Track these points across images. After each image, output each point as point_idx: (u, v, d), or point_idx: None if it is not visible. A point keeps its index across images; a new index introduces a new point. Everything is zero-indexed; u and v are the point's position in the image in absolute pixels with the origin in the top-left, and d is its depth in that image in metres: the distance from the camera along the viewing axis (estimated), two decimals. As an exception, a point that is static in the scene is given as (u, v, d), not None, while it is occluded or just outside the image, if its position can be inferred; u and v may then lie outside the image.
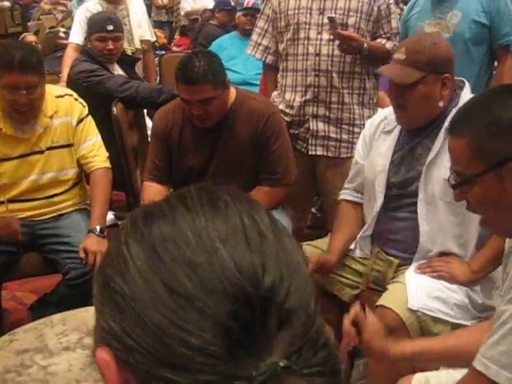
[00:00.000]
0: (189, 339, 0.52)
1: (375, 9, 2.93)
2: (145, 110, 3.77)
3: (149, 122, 3.78)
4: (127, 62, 3.78)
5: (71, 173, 2.75)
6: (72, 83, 3.39)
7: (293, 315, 0.54)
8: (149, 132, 3.66)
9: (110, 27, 3.55)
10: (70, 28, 8.44)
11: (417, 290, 2.03)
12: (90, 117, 2.78)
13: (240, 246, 0.56)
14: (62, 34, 8.34)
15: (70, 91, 2.81)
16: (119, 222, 3.85)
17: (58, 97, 2.71)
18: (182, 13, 8.89)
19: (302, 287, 0.57)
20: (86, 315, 2.08)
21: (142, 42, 4.17)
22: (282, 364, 0.52)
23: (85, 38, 3.84)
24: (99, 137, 2.81)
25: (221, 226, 0.57)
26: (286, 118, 2.99)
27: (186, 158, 2.72)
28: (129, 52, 3.96)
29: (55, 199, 2.73)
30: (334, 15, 2.83)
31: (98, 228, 2.58)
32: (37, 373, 1.79)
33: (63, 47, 6.87)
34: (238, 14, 5.51)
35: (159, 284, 0.54)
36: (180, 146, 2.72)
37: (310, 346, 0.55)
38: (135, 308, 0.55)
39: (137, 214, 0.61)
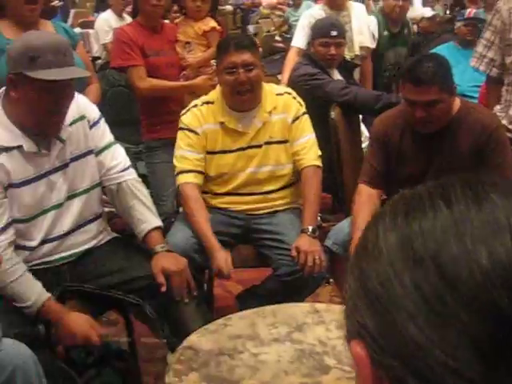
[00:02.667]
0: (444, 359, 0.49)
1: None
2: (360, 116, 3.78)
3: (363, 129, 3.80)
4: (346, 67, 3.81)
5: (287, 168, 2.83)
6: (293, 85, 3.49)
7: None
8: (362, 138, 3.68)
9: (334, 33, 3.60)
10: (285, 33, 8.73)
11: None
12: (306, 115, 2.84)
13: (502, 249, 0.50)
14: (277, 38, 8.63)
15: (289, 90, 2.92)
16: (324, 224, 3.91)
17: (277, 94, 2.83)
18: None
19: None
20: (296, 311, 2.14)
21: (361, 48, 4.19)
22: None
23: (308, 43, 3.94)
24: (313, 135, 2.85)
25: (483, 225, 0.52)
26: (509, 135, 2.86)
27: (404, 166, 2.70)
28: (348, 58, 3.99)
29: (271, 196, 2.82)
30: None
31: (310, 228, 2.63)
32: (248, 359, 1.88)
33: (279, 50, 7.10)
34: (458, 23, 5.36)
35: (417, 294, 0.52)
36: (399, 153, 2.71)
37: None
38: (391, 314, 0.52)
39: (397, 206, 0.58)
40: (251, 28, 8.89)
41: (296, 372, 1.81)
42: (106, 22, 6.41)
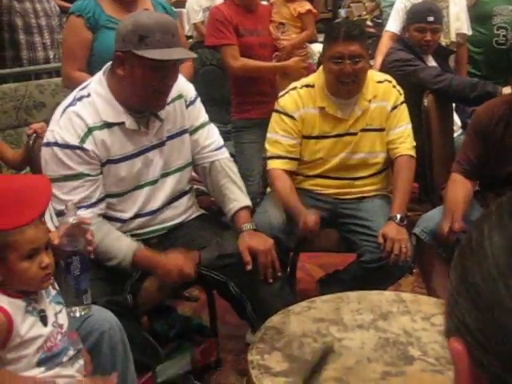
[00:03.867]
0: None
1: None
2: (453, 104, 3.68)
3: (456, 118, 3.70)
4: (441, 54, 3.72)
5: (380, 157, 2.79)
6: (385, 71, 3.43)
7: None
8: (455, 128, 3.59)
9: (431, 18, 3.52)
10: (376, 17, 8.57)
11: None
12: (404, 104, 2.79)
13: None
14: (369, 23, 8.50)
15: (389, 77, 2.85)
16: (409, 214, 3.84)
17: (378, 82, 2.78)
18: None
19: None
20: (380, 299, 2.12)
21: (457, 35, 4.06)
22: None
23: (402, 28, 3.86)
24: (410, 125, 2.81)
25: None
26: None
27: (506, 158, 2.61)
28: (443, 44, 3.88)
29: (360, 182, 2.80)
30: None
31: (398, 216, 2.58)
32: (331, 343, 1.87)
33: (370, 35, 6.96)
34: None
35: None
36: (501, 145, 2.61)
37: None
38: (493, 312, 0.52)
39: (503, 206, 0.58)
40: (342, 12, 8.75)
41: (379, 360, 1.78)
42: (197, 2, 6.47)
